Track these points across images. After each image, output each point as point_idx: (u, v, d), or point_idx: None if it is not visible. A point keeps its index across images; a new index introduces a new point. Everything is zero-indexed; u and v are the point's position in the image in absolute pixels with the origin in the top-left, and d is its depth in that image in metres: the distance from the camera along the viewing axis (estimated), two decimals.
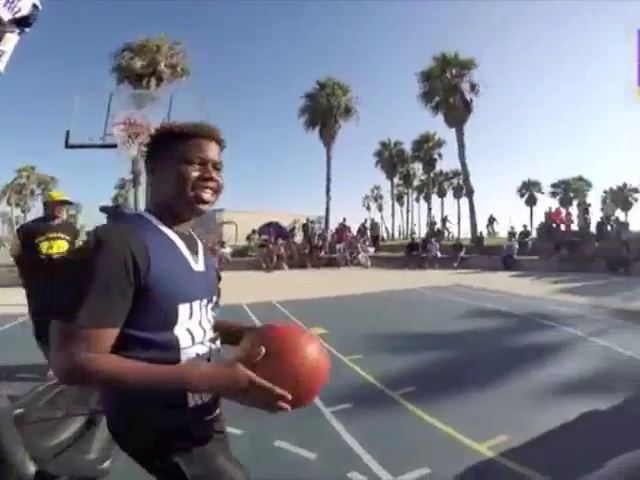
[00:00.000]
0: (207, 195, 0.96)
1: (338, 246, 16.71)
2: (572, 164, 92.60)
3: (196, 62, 21.62)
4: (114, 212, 3.33)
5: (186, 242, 1.00)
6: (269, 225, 18.55)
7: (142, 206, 9.73)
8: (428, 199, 37.22)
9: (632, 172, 71.25)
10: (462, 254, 15.45)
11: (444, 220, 23.72)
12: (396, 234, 41.55)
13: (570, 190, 40.75)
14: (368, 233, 18.95)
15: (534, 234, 17.48)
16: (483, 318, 6.02)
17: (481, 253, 16.00)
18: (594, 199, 41.00)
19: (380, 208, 49.19)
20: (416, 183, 42.91)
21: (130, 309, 0.85)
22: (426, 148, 35.16)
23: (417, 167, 39.60)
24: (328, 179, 22.91)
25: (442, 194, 44.73)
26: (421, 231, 30.25)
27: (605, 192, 40.33)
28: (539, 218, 20.01)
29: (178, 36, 20.53)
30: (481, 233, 20.29)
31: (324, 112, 22.66)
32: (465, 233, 23.56)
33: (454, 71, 21.23)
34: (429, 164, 36.08)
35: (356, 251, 16.31)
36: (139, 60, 19.02)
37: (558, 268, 12.64)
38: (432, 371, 3.70)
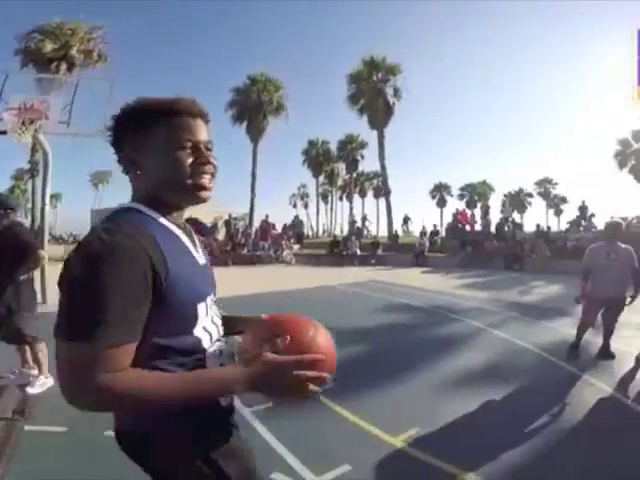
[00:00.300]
0: (206, 181, 0.88)
1: (262, 243, 16.56)
2: (478, 169, 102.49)
3: (121, 49, 20.08)
4: None
5: (186, 234, 0.93)
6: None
7: (39, 197, 8.69)
8: (350, 198, 38.43)
9: (527, 178, 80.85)
10: (379, 251, 16.26)
11: (364, 219, 24.64)
12: (320, 232, 42.34)
13: (475, 193, 44.86)
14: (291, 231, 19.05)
15: (443, 233, 18.96)
16: (396, 313, 6.40)
17: (397, 251, 16.95)
18: (495, 202, 45.67)
19: (306, 206, 49.76)
20: (340, 182, 44.03)
21: (149, 317, 0.77)
22: (350, 149, 36.22)
23: (341, 167, 40.65)
24: (253, 175, 22.63)
25: (363, 194, 46.50)
26: (343, 229, 31.17)
27: (505, 196, 45.09)
28: (448, 218, 21.77)
29: (99, 22, 19.05)
30: (396, 232, 21.46)
31: (253, 107, 22.32)
32: (383, 231, 24.76)
33: (380, 75, 22.14)
34: (352, 164, 37.21)
35: (281, 248, 16.30)
36: (50, 43, 17.26)
37: (463, 264, 13.91)
38: (349, 367, 3.82)
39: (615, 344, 4.04)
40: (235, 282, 10.51)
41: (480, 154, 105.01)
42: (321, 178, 43.39)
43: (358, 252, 15.99)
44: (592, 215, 15.25)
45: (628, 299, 3.88)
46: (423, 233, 17.34)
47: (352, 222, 22.47)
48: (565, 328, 5.10)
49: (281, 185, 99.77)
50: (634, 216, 13.91)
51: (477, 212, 19.33)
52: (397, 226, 23.42)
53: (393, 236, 19.99)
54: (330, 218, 46.43)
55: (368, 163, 38.65)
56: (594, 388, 3.29)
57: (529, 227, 18.25)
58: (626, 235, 4.24)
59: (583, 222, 15.25)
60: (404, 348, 4.50)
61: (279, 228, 18.85)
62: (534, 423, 2.68)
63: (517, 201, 44.95)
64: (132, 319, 0.73)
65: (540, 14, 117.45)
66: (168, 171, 0.84)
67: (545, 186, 47.95)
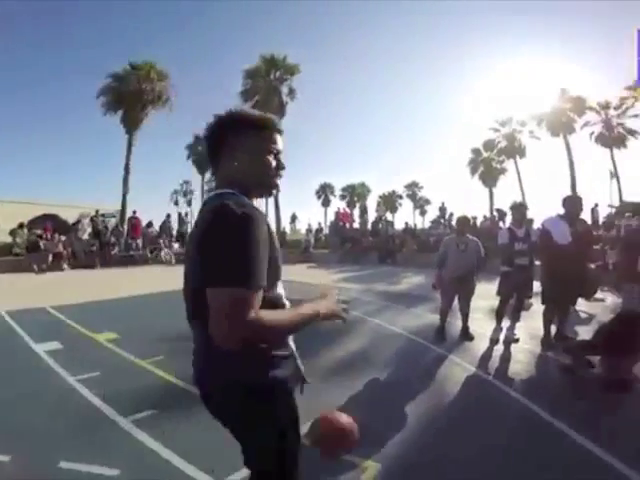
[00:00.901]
0: (279, 182, 1.17)
1: (131, 242, 15.08)
2: (358, 171, 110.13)
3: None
4: None
5: None
6: (44, 218, 15.42)
7: None
8: None
9: (399, 181, 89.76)
10: None
11: None
12: None
13: (355, 194, 47.99)
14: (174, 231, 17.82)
15: (327, 231, 19.90)
16: None
17: (284, 247, 17.23)
18: (372, 202, 49.45)
19: (189, 203, 46.90)
20: None
21: None
22: None
23: None
24: (127, 167, 20.33)
25: None
26: None
27: (380, 197, 49.19)
28: (331, 217, 22.90)
29: None
30: (284, 229, 21.82)
31: (132, 96, 19.78)
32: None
33: (278, 73, 21.91)
34: None
35: (158, 247, 15.13)
36: None
37: (343, 259, 14.89)
38: None
39: (472, 327, 4.66)
40: (104, 286, 9.44)
41: (361, 157, 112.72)
42: (207, 175, 41.54)
43: None
44: (451, 214, 17.54)
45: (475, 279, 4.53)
46: (309, 231, 18.00)
47: None
48: (430, 313, 5.73)
49: (162, 181, 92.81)
50: (483, 215, 16.46)
51: (356, 211, 20.73)
52: (285, 223, 23.81)
53: (281, 233, 20.23)
54: None
55: None
56: (460, 367, 3.69)
57: (399, 225, 20.24)
58: (477, 230, 4.99)
59: (443, 220, 17.49)
60: (294, 341, 4.56)
61: (156, 225, 17.38)
62: (414, 402, 2.92)
63: (390, 202, 49.40)
64: (265, 270, 0.97)
65: (422, 33, 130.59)
66: (260, 169, 1.12)
67: (413, 189, 53.67)
